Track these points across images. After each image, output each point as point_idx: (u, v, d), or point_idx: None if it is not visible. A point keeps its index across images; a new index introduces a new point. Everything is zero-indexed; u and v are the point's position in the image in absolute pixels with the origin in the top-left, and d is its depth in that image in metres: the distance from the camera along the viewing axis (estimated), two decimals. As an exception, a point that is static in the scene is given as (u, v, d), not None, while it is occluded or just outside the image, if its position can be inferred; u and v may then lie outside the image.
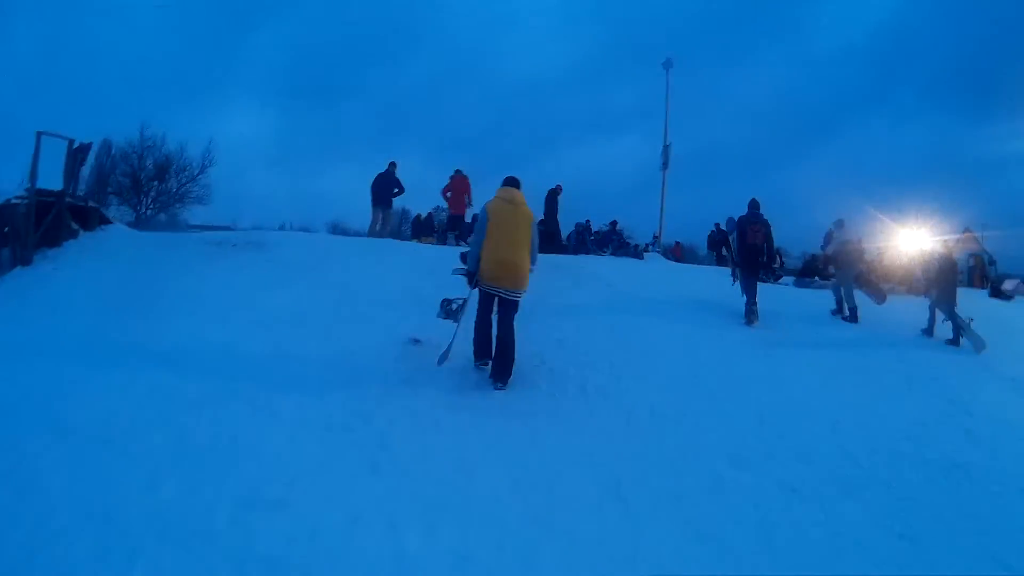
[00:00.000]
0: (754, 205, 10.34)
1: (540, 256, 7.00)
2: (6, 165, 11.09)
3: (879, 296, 11.22)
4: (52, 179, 11.23)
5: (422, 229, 21.56)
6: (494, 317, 6.52)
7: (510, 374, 6.34)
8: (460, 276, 6.88)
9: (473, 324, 6.61)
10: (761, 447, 5.66)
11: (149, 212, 25.38)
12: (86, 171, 22.34)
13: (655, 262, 15.57)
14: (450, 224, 15.27)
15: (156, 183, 25.73)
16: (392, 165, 14.44)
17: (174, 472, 4.56)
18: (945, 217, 13.75)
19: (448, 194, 14.70)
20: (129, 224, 20.92)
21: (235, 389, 6.01)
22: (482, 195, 14.34)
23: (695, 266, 17.32)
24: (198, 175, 26.51)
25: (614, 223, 18.36)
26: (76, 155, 12.10)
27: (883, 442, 5.93)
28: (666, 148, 20.10)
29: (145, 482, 4.42)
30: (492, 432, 5.54)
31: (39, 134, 10.94)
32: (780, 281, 14.11)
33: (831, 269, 11.54)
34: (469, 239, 7.99)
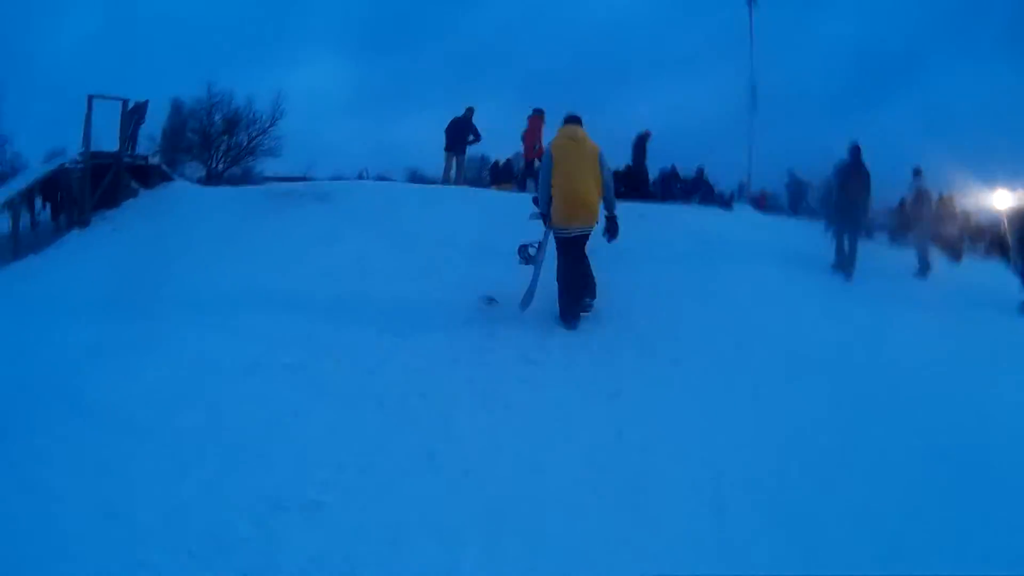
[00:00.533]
0: (855, 152, 9.43)
1: (628, 204, 6.97)
2: (76, 131, 10.92)
3: (954, 253, 10.69)
4: (113, 141, 11.09)
5: (501, 175, 20.66)
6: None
7: (595, 294, 6.38)
8: (537, 220, 6.61)
9: (556, 277, 6.30)
10: (881, 437, 4.53)
11: (220, 167, 25.15)
12: (155, 130, 22.46)
13: (744, 213, 14.24)
14: (526, 170, 14.02)
15: (225, 138, 25.44)
16: (469, 111, 13.52)
17: (199, 463, 3.99)
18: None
19: (529, 140, 13.52)
20: (200, 180, 21.14)
21: (281, 358, 5.40)
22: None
23: (788, 218, 15.91)
24: (268, 128, 25.93)
25: (701, 171, 16.92)
26: (132, 115, 11.77)
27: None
28: (753, 89, 18.39)
29: (164, 476, 3.84)
30: (571, 416, 4.67)
31: (90, 97, 10.68)
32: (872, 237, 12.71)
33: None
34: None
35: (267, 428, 4.37)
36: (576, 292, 6.23)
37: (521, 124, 13.72)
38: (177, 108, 23.97)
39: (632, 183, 14.78)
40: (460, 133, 13.39)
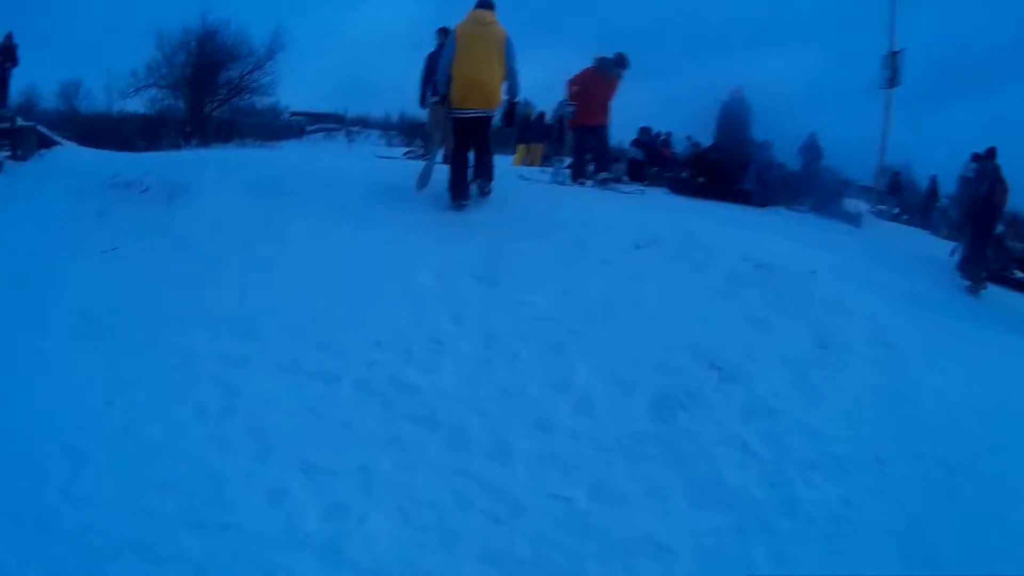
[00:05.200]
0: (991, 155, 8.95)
1: (715, 211, 7.37)
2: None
3: None
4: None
5: (531, 132, 15.78)
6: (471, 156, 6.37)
7: (492, 176, 6.41)
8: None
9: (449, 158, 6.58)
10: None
11: (208, 108, 21.43)
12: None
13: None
14: (577, 139, 8.89)
15: (213, 74, 21.62)
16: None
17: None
18: None
19: (575, 89, 8.44)
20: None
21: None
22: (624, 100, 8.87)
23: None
24: (265, 63, 22.15)
25: (817, 152, 11.81)
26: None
27: None
28: (893, 57, 13.54)
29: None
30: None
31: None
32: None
33: None
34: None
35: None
36: (457, 173, 6.19)
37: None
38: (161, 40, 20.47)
39: (715, 171, 10.11)
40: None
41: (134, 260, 5.14)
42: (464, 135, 6.28)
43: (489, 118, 6.29)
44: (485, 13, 6.29)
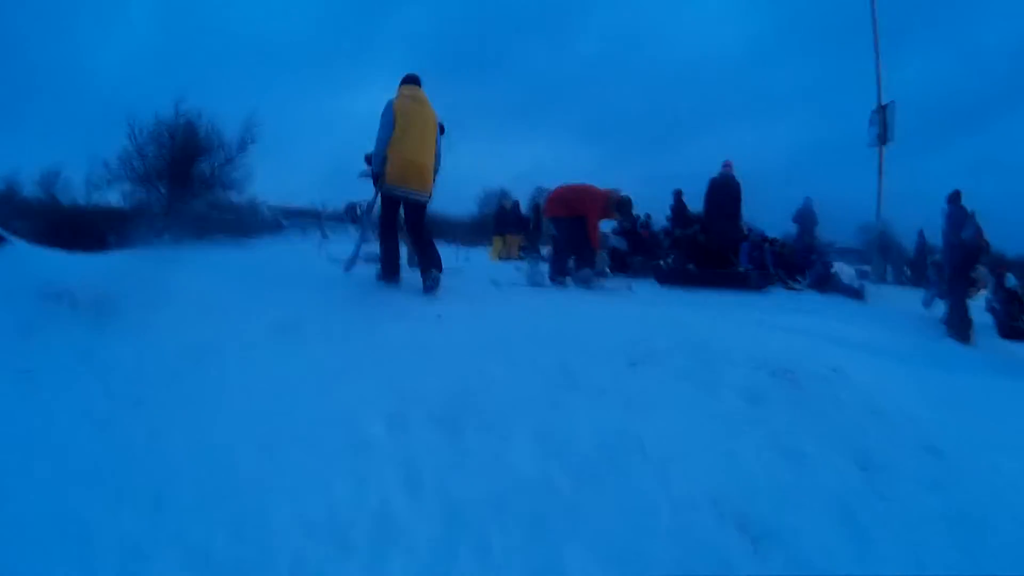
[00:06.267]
0: (955, 199, 8.43)
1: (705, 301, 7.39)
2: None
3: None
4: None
5: (508, 222, 15.31)
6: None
7: (441, 267, 6.16)
8: (366, 179, 6.41)
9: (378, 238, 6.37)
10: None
11: (187, 200, 20.83)
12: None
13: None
14: (558, 233, 8.20)
15: (186, 167, 20.95)
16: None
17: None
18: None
19: (595, 217, 7.79)
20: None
21: None
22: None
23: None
24: (236, 156, 21.69)
25: (812, 218, 11.21)
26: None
27: None
28: (883, 111, 13.05)
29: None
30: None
31: None
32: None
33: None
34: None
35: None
36: (390, 253, 6.23)
37: (580, 163, 9.84)
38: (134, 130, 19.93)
39: (705, 255, 9.47)
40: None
41: (44, 393, 4.23)
42: (393, 214, 6.17)
43: (425, 204, 6.17)
44: (418, 90, 6.20)
